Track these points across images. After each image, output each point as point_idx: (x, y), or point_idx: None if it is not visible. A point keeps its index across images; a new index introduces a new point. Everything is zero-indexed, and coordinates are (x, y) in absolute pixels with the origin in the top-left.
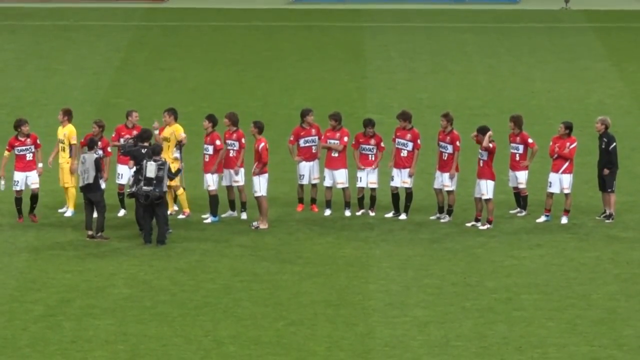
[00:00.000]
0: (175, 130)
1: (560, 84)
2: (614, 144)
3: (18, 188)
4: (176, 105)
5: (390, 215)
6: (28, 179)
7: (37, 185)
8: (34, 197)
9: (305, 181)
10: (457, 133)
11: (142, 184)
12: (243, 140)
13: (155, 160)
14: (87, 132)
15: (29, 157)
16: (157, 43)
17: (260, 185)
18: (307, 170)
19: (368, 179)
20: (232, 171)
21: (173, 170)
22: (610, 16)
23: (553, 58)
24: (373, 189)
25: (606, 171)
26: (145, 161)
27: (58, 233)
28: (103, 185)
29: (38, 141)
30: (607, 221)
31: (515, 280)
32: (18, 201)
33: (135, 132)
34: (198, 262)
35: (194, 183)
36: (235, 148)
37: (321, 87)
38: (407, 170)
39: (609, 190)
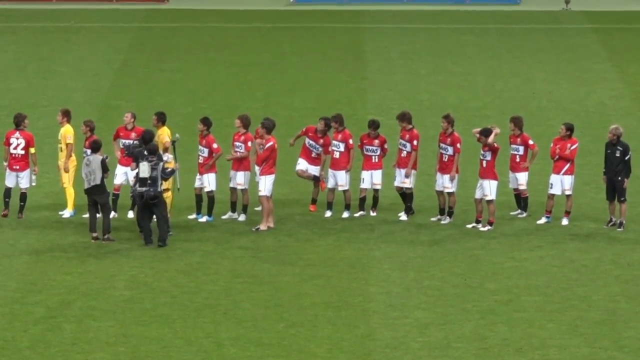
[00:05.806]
0: (161, 134)
1: (561, 85)
2: (630, 152)
3: None
4: (176, 107)
5: (403, 215)
6: None
7: None
8: None
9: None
10: (457, 135)
11: (137, 185)
12: (249, 144)
13: (149, 160)
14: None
15: None
16: (158, 44)
17: (266, 185)
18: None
19: (373, 179)
20: (236, 173)
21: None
22: (611, 17)
23: (554, 59)
24: (376, 190)
25: (626, 182)
26: (139, 161)
27: (58, 235)
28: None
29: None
30: (618, 230)
31: (516, 282)
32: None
33: (134, 134)
34: (199, 263)
35: (189, 183)
36: (241, 150)
37: (321, 89)
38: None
39: (622, 199)
